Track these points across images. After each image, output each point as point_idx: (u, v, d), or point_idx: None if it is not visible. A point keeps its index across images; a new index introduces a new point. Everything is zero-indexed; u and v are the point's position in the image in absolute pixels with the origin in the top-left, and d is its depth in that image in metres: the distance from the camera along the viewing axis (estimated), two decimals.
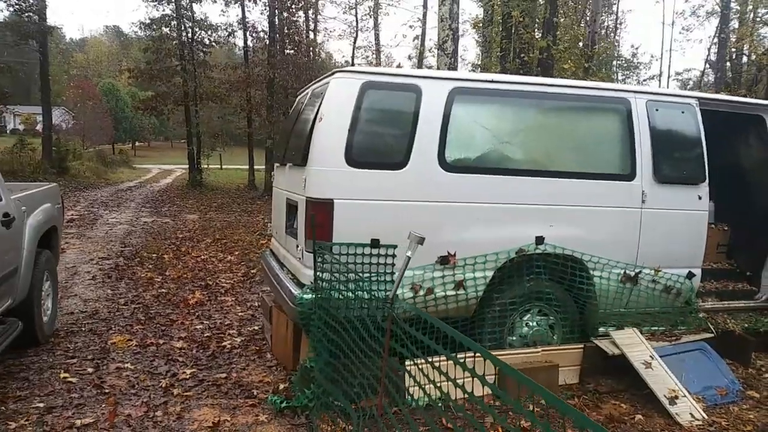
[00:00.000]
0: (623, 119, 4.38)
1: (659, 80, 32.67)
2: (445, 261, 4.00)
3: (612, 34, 32.76)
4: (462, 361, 1.92)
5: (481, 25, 15.02)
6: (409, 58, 29.09)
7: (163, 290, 6.71)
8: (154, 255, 8.80)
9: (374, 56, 30.88)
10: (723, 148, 5.35)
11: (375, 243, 3.83)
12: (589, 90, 4.46)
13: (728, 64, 23.76)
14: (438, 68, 8.46)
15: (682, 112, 4.57)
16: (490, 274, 4.08)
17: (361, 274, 3.59)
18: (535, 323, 4.32)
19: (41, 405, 3.67)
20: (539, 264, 4.17)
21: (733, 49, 23.42)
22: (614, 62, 31.45)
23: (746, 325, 4.81)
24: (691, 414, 3.76)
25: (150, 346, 4.84)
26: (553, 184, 4.19)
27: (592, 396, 4.08)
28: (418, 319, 2.39)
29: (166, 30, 23.84)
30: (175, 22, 23.67)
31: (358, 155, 3.85)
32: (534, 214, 4.15)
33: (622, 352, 4.17)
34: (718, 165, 4.84)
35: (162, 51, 23.29)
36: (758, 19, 22.01)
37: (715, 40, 20.83)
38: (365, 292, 3.07)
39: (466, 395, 1.97)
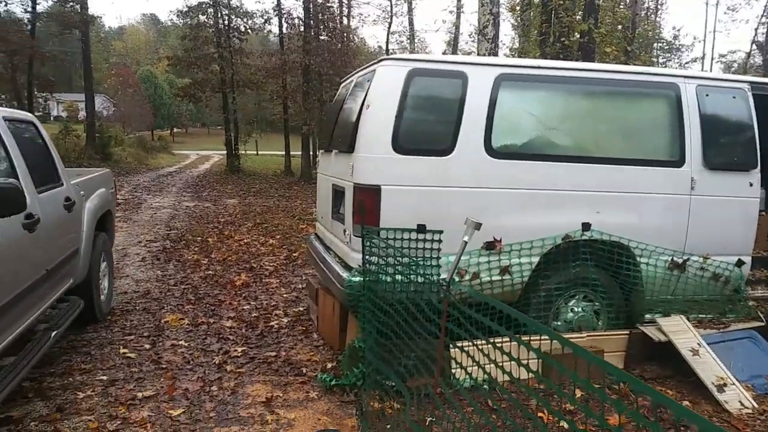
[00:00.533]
0: (672, 105, 4.32)
1: (702, 63, 31.65)
2: (491, 246, 4.04)
3: (653, 16, 31.83)
4: (527, 341, 1.97)
5: (519, 8, 14.78)
6: (448, 44, 28.79)
7: (210, 272, 6.93)
8: (199, 238, 9.06)
9: (408, 42, 30.71)
10: None
11: (421, 228, 3.89)
12: (637, 75, 4.40)
13: None
14: (479, 54, 8.40)
15: (734, 98, 4.47)
16: (536, 259, 4.10)
17: (409, 258, 3.67)
18: (580, 309, 4.33)
19: (104, 378, 3.88)
20: (585, 250, 4.18)
21: None
22: (655, 45, 30.54)
23: None
24: (740, 402, 3.74)
25: (201, 324, 5.04)
26: (600, 171, 4.18)
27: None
28: (469, 305, 2.44)
29: (203, 18, 24.19)
30: (211, 10, 24.00)
31: (405, 142, 3.91)
32: (581, 201, 4.14)
33: (668, 338, 4.15)
34: None
35: (199, 38, 23.67)
36: None
37: (764, 19, 20.00)
38: (419, 276, 3.14)
39: (512, 379, 2.02)
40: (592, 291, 4.31)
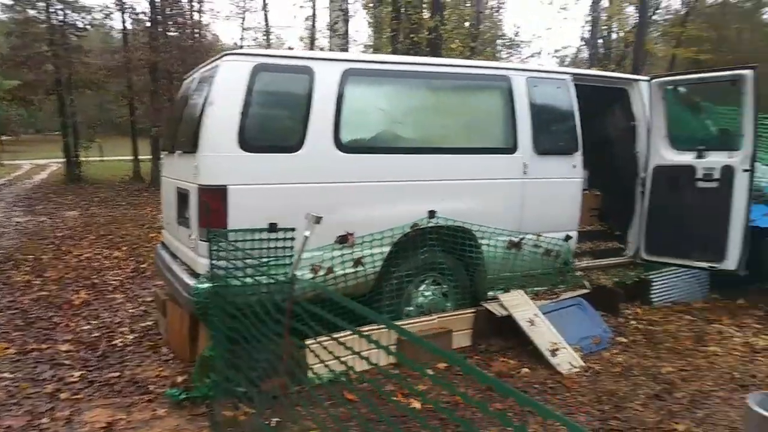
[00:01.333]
0: (505, 96, 4.64)
1: (540, 57, 34.61)
2: (343, 240, 4.07)
3: (495, 14, 34.17)
4: (366, 334, 1.99)
5: (371, 5, 15.08)
6: (301, 39, 28.57)
7: (44, 293, 6.22)
8: (31, 257, 8.10)
9: (264, 38, 30.05)
10: (594, 120, 5.84)
11: (273, 227, 3.81)
12: (472, 69, 4.69)
13: (600, 41, 25.79)
14: (330, 49, 8.44)
15: (558, 87, 4.92)
16: (387, 249, 4.20)
17: (259, 259, 3.57)
18: (430, 292, 4.52)
19: None
20: (432, 237, 4.36)
21: (604, 27, 25.40)
22: (498, 41, 32.86)
23: (616, 280, 5.35)
24: (570, 363, 4.14)
25: (31, 352, 4.50)
26: (444, 160, 4.39)
27: (484, 355, 4.36)
28: (322, 299, 2.43)
29: (32, 12, 21.63)
30: (42, 3, 21.53)
31: (252, 139, 3.79)
32: (426, 190, 4.32)
33: (509, 312, 4.48)
34: (589, 135, 5.28)
35: (29, 35, 21.14)
36: None
37: (588, 18, 22.38)
38: (265, 276, 3.06)
39: (371, 366, 2.04)
40: (440, 275, 4.52)
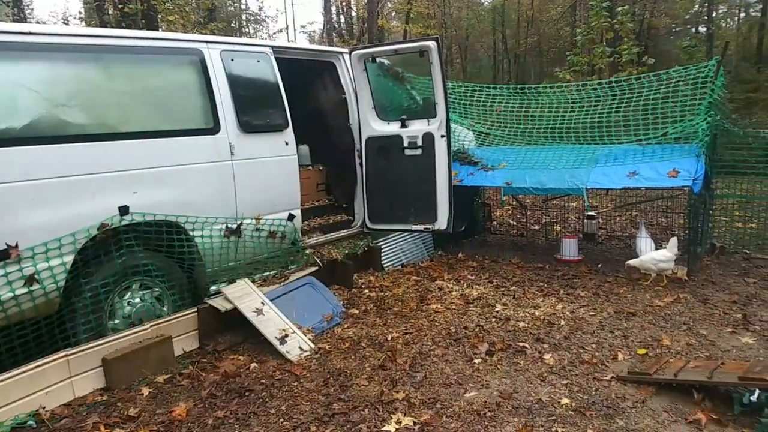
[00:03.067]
0: (198, 71, 4.20)
1: (287, 33, 34.54)
2: (4, 256, 3.25)
3: None
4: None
5: None
6: None
7: None
8: None
9: None
10: (308, 94, 5.74)
11: None
12: (155, 41, 4.09)
13: (342, 17, 26.64)
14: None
15: (258, 62, 4.63)
16: (69, 258, 3.50)
17: None
18: (138, 300, 3.94)
19: None
20: (129, 236, 3.77)
21: (343, 2, 26.25)
22: (243, 16, 31.83)
23: (347, 251, 5.38)
24: (300, 347, 3.99)
25: None
26: (131, 147, 3.78)
27: (212, 357, 3.99)
28: None
29: None
30: None
31: None
32: (112, 183, 3.68)
33: (234, 305, 4.16)
34: (305, 110, 5.13)
35: None
36: None
37: None
38: None
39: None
40: (148, 277, 3.96)
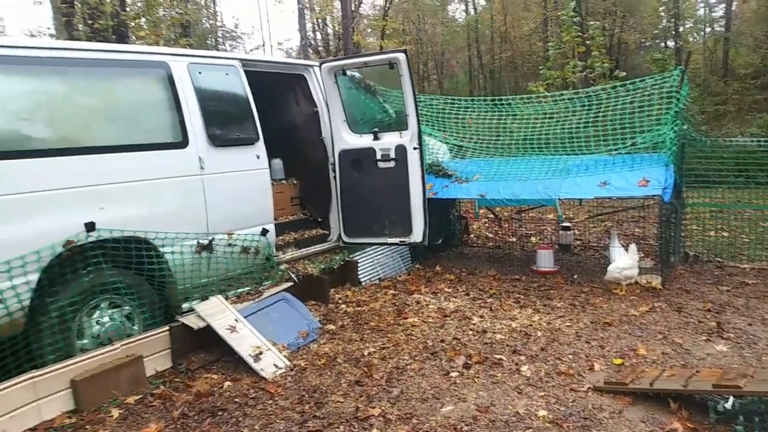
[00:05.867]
0: (165, 84, 4.14)
1: (264, 49, 34.49)
2: None
3: (212, 5, 32.86)
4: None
5: None
6: None
7: None
8: None
9: None
10: (280, 107, 5.70)
11: None
12: (120, 54, 4.02)
13: (318, 34, 26.75)
14: None
15: (227, 74, 4.59)
16: (34, 277, 3.39)
17: None
18: (107, 318, 3.83)
19: None
20: (96, 253, 3.67)
21: (318, 19, 26.38)
22: (219, 32, 31.80)
23: (322, 266, 5.31)
24: (274, 365, 3.90)
25: None
26: (96, 162, 3.70)
27: (184, 376, 3.88)
28: None
29: None
30: None
31: None
32: (77, 199, 3.59)
33: (207, 323, 4.06)
34: (278, 123, 5.07)
35: None
36: None
37: (295, 10, 23.00)
38: None
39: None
40: (117, 295, 3.85)
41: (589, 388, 3.43)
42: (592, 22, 12.55)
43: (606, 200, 7.70)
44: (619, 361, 3.79)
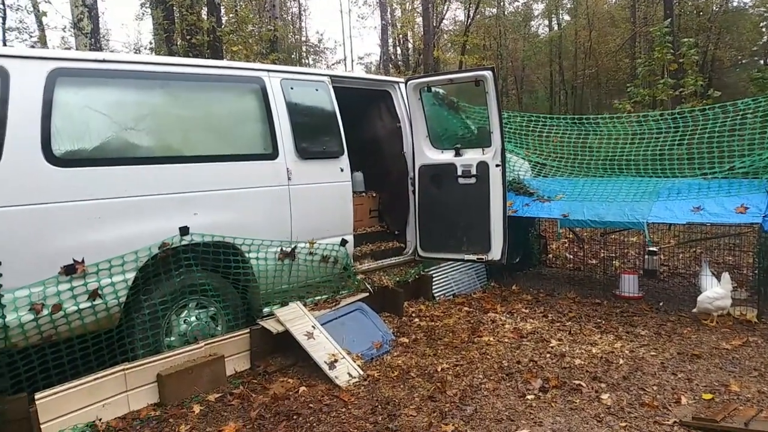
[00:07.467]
0: (259, 98, 4.35)
1: (345, 64, 35.45)
2: (71, 270, 3.41)
3: (297, 20, 34.20)
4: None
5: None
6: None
7: None
8: None
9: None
10: (363, 122, 5.82)
11: None
12: (220, 69, 4.27)
13: (398, 48, 27.19)
14: (78, 49, 7.40)
15: (317, 90, 4.75)
16: (131, 275, 3.63)
17: None
18: (194, 318, 4.04)
19: None
20: (188, 256, 3.89)
21: (399, 35, 26.79)
22: (303, 47, 32.96)
23: (398, 279, 5.36)
24: (348, 373, 3.96)
25: None
26: (193, 170, 3.93)
27: (262, 378, 4.02)
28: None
29: None
30: None
31: None
32: (174, 204, 3.82)
33: (286, 328, 4.19)
34: (360, 138, 5.19)
35: None
36: (415, 9, 25.39)
37: (378, 26, 23.48)
38: None
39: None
40: (204, 297, 4.06)
41: (675, 422, 3.24)
42: (685, 39, 11.96)
43: (696, 225, 7.27)
44: (708, 396, 3.56)
